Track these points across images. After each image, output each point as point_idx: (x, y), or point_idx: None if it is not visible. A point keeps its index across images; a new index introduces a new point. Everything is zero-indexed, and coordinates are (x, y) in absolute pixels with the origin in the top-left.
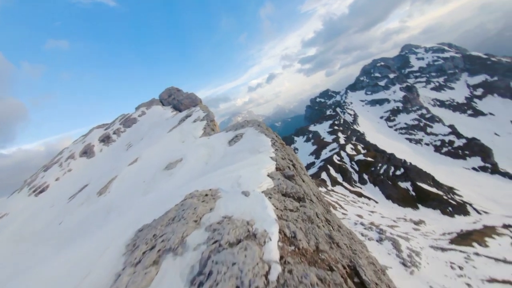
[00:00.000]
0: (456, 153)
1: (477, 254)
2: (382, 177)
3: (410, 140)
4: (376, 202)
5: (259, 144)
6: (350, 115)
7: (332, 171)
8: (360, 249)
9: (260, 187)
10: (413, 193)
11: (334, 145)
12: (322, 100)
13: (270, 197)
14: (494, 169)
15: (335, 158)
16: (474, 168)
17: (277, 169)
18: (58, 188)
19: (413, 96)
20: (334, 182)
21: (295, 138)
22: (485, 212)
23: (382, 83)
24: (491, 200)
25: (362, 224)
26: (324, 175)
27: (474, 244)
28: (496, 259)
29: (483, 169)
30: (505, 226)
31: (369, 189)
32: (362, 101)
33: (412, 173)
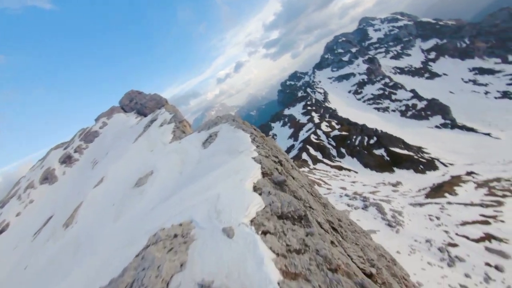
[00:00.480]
0: (419, 115)
1: (449, 203)
2: (358, 148)
3: (378, 109)
4: (356, 173)
5: (238, 142)
6: (321, 93)
7: (311, 151)
8: (365, 241)
9: (247, 215)
10: (388, 158)
11: (310, 125)
12: (292, 82)
13: (264, 233)
14: (453, 124)
15: (313, 138)
16: (436, 126)
17: (264, 174)
18: (20, 225)
19: (375, 67)
20: (315, 160)
21: (272, 124)
22: (451, 164)
23: (346, 58)
24: (453, 152)
25: (346, 195)
26: (304, 156)
27: (446, 194)
28: (465, 204)
29: (444, 125)
30: (468, 173)
31: (348, 162)
32: (329, 78)
33: (384, 140)
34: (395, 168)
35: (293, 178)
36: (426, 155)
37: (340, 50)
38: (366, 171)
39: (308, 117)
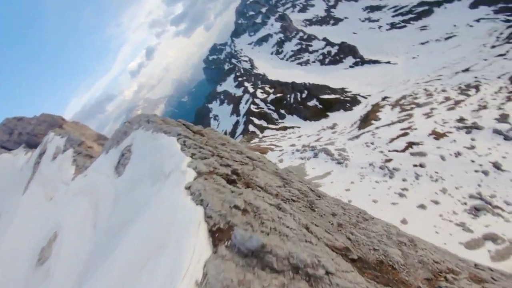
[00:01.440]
0: (335, 60)
1: (377, 127)
2: (294, 105)
3: (300, 64)
4: (299, 127)
5: (162, 156)
6: (246, 61)
7: (255, 121)
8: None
9: None
10: (321, 106)
11: (246, 96)
12: (214, 57)
13: None
14: (362, 61)
15: (253, 108)
16: (350, 66)
17: (216, 235)
18: None
19: (287, 23)
20: (261, 128)
21: (209, 106)
22: (368, 96)
23: (258, 20)
24: (368, 85)
25: (297, 150)
26: (251, 127)
27: (372, 121)
28: (388, 125)
29: (356, 64)
30: (383, 99)
31: (289, 120)
32: (249, 44)
33: (313, 90)
34: (328, 113)
35: (260, 188)
36: (349, 94)
37: (251, 13)
38: (307, 123)
39: (242, 88)
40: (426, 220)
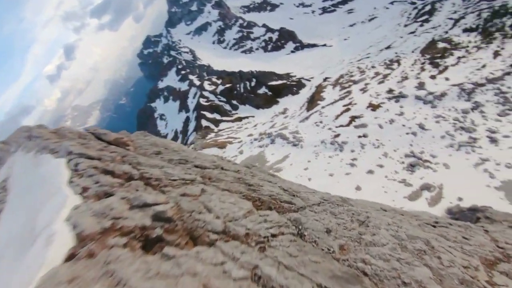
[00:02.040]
0: (277, 46)
1: (323, 107)
2: (245, 94)
3: (244, 52)
4: (253, 117)
5: (42, 196)
6: (187, 53)
7: (208, 115)
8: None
9: None
10: (270, 93)
11: (193, 90)
12: (150, 50)
13: None
14: (302, 45)
15: (202, 101)
16: (292, 51)
17: None
18: None
19: (225, 10)
20: (216, 122)
21: (153, 105)
22: (311, 78)
23: (194, 8)
24: (310, 68)
25: (255, 139)
26: (204, 123)
27: (318, 102)
28: (332, 103)
29: (296, 48)
30: (324, 80)
31: (242, 110)
32: (188, 34)
33: (261, 78)
34: (278, 99)
35: (217, 234)
36: (294, 78)
37: (185, 0)
38: (260, 111)
39: (187, 82)
40: (376, 183)
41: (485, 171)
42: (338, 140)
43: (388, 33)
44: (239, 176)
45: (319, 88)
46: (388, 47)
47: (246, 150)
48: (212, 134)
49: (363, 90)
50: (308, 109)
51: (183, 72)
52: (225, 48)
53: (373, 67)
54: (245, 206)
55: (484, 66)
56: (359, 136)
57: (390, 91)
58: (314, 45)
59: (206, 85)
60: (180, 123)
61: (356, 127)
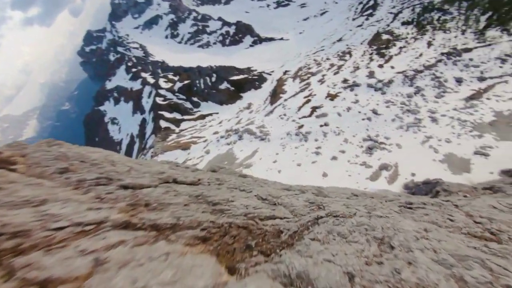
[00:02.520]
0: (235, 40)
1: (285, 100)
2: (206, 90)
3: (201, 46)
4: (217, 113)
5: None
6: (137, 48)
7: (167, 115)
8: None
9: None
10: (233, 88)
11: (148, 88)
12: (93, 47)
13: None
14: (260, 39)
15: (159, 101)
16: (250, 45)
17: None
18: None
19: (177, 2)
20: (177, 122)
21: (102, 108)
22: (272, 72)
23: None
24: (269, 61)
25: (222, 137)
26: (163, 123)
27: (281, 95)
28: (293, 95)
29: (254, 42)
30: (284, 73)
31: (205, 107)
32: (136, 28)
33: (222, 73)
34: (241, 94)
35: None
36: (255, 72)
37: None
38: (224, 108)
39: (139, 80)
40: (340, 168)
41: (430, 147)
42: (302, 131)
43: (338, 26)
44: (198, 193)
45: (280, 82)
46: (339, 40)
47: (213, 149)
48: (174, 135)
49: (321, 81)
50: (271, 103)
51: (134, 70)
52: (179, 42)
53: (328, 59)
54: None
55: (421, 54)
56: (321, 125)
57: (345, 81)
58: (271, 39)
59: (162, 82)
60: (135, 126)
61: (317, 117)
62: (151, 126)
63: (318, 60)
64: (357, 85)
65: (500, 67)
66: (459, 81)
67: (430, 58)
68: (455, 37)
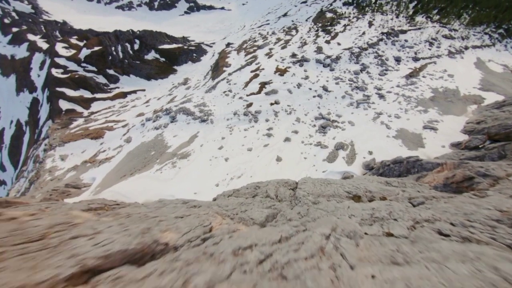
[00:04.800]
0: (166, 4)
1: (229, 74)
2: (126, 61)
3: (121, 8)
4: (144, 90)
5: None
6: (22, 2)
7: (69, 92)
8: None
9: None
10: (163, 59)
11: (38, 56)
12: None
13: None
14: (197, 6)
15: (56, 73)
16: (186, 12)
17: None
18: None
19: None
20: (84, 102)
21: None
22: (213, 43)
23: None
24: (210, 32)
25: (148, 119)
26: (64, 105)
27: (224, 68)
28: (239, 69)
29: (191, 9)
30: (227, 45)
31: (126, 82)
32: None
33: (148, 39)
34: (176, 67)
35: None
36: (192, 43)
37: None
38: (152, 84)
39: (25, 45)
40: (294, 150)
41: (382, 123)
42: (251, 110)
43: (284, 1)
44: None
45: (223, 54)
46: (285, 15)
47: (136, 136)
48: (80, 121)
49: (268, 55)
50: (213, 78)
51: (15, 29)
52: (90, 0)
53: (273, 33)
54: None
55: (364, 33)
56: (272, 104)
57: (293, 55)
58: (211, 7)
59: (60, 48)
60: (22, 109)
61: (267, 94)
62: (47, 110)
63: (264, 34)
64: (306, 60)
65: (429, 49)
66: (398, 60)
67: (372, 37)
68: (391, 19)
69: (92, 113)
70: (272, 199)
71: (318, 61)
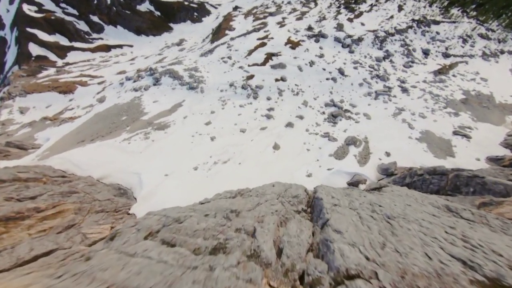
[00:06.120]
0: None
1: (232, 38)
2: (114, 8)
3: None
4: (131, 46)
5: None
6: None
7: (42, 35)
8: None
9: None
10: (158, 13)
11: None
12: None
13: None
14: None
15: (29, 11)
16: None
17: None
18: None
19: None
20: (60, 50)
21: None
22: (219, 5)
23: None
24: None
25: (128, 79)
26: (35, 49)
27: (226, 32)
28: (244, 34)
29: None
30: (234, 9)
31: (112, 34)
32: None
33: None
34: (171, 24)
35: None
36: (195, 0)
37: None
38: (142, 40)
39: None
40: (296, 139)
41: (404, 121)
42: (251, 83)
43: None
44: None
45: (229, 16)
46: None
47: (112, 97)
48: (52, 70)
49: (281, 24)
50: (212, 41)
51: None
52: None
53: (289, 3)
54: None
55: (392, 17)
56: (277, 80)
57: (309, 28)
58: None
59: None
60: None
61: (273, 67)
62: (15, 52)
63: (278, 3)
64: (324, 36)
65: (462, 46)
66: (426, 53)
67: (401, 22)
68: (424, 7)
69: (67, 64)
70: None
71: (337, 39)
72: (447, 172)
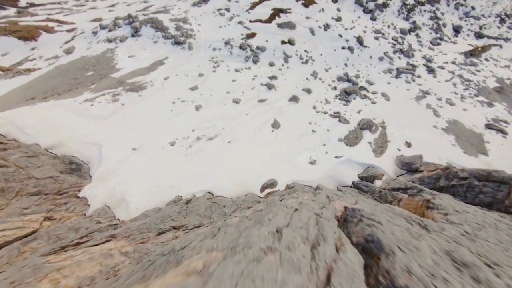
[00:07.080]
0: None
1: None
2: None
3: None
4: None
5: None
6: None
7: None
8: None
9: None
10: None
11: None
12: None
13: None
14: None
15: None
16: None
17: None
18: None
19: None
20: None
21: None
22: None
23: None
24: None
25: (103, 27)
26: None
27: None
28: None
29: None
30: None
31: None
32: None
33: None
34: None
35: None
36: None
37: None
38: None
39: None
40: (300, 117)
41: (429, 107)
42: (252, 43)
43: None
44: None
45: None
46: None
47: (81, 46)
48: (12, 10)
49: None
50: None
51: None
52: None
53: None
54: None
55: None
56: (283, 42)
57: None
58: None
59: None
60: None
61: (280, 26)
62: None
63: None
64: None
65: (498, 26)
66: (457, 30)
67: None
68: None
69: (33, 4)
70: None
71: (358, 1)
72: (509, 181)
